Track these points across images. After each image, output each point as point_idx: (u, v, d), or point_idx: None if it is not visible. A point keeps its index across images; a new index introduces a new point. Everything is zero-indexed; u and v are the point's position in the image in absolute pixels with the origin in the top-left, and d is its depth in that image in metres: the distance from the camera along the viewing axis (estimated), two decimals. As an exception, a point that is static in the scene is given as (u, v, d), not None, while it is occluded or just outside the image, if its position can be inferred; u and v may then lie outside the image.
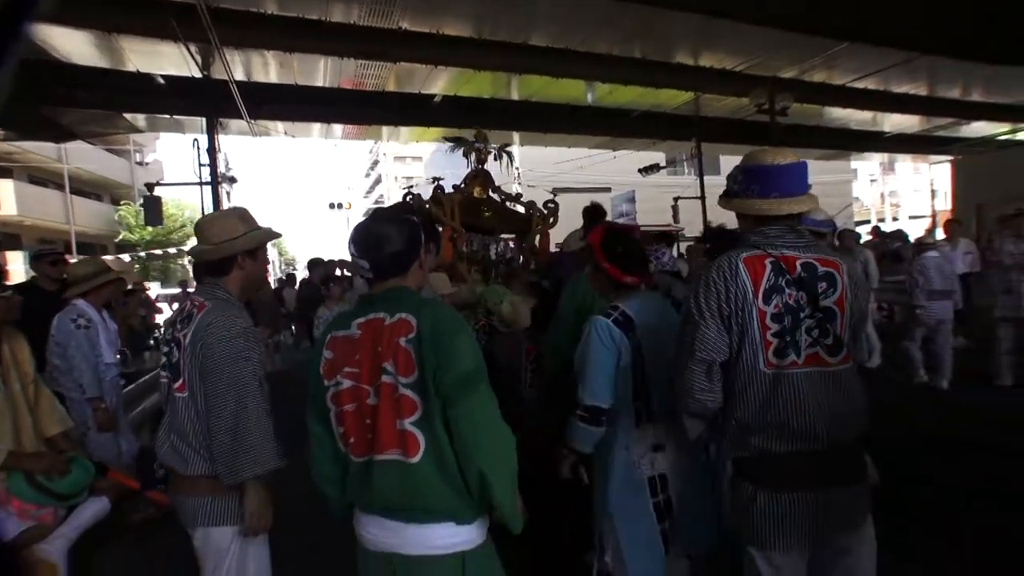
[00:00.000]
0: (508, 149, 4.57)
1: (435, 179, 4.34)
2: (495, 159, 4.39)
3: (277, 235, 1.86)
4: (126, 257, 19.41)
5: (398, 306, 1.30)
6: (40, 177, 20.94)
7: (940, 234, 8.62)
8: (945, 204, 20.84)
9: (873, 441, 1.50)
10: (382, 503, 1.28)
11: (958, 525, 2.66)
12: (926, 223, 23.08)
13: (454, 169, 4.76)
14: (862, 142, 14.86)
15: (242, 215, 1.76)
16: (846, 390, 1.41)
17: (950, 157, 17.22)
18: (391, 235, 1.33)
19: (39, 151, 18.86)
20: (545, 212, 4.32)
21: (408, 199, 4.45)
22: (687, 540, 1.75)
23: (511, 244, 4.40)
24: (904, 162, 28.15)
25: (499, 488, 1.24)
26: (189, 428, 1.59)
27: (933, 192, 25.41)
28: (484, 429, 1.24)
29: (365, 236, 1.35)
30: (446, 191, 4.06)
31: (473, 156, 4.23)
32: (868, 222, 29.42)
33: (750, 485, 1.41)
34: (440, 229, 3.83)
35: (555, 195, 4.51)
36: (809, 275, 1.41)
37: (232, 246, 1.66)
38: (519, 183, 19.76)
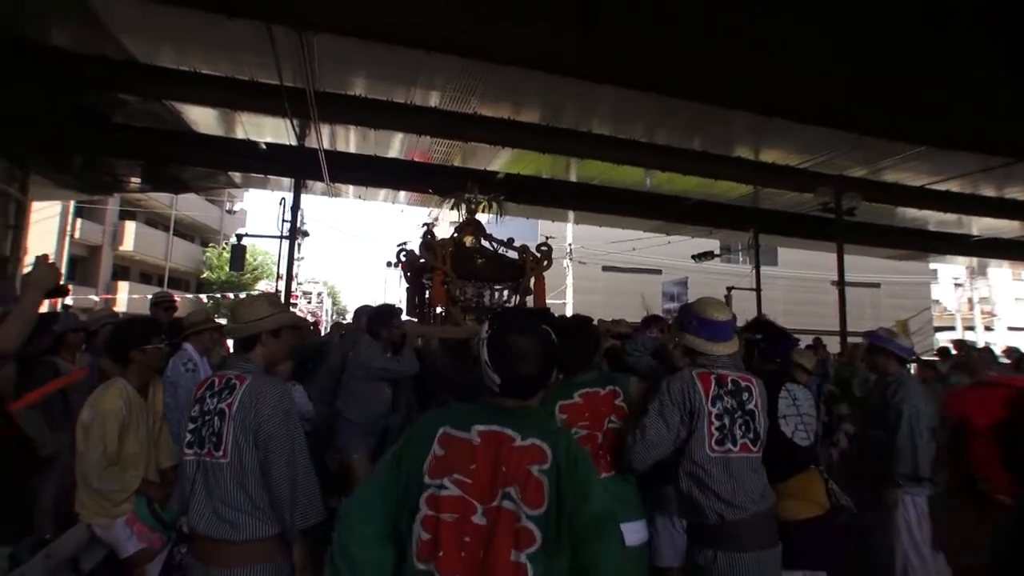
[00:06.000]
0: (500, 199, 4.64)
1: (425, 224, 4.49)
2: (484, 211, 4.51)
3: (299, 320, 2.12)
4: (204, 297, 21.33)
5: (528, 428, 1.24)
6: (154, 220, 24.10)
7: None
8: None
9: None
10: None
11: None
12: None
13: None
14: (943, 244, 13.57)
15: (271, 300, 2.02)
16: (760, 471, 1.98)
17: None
18: (530, 354, 1.27)
19: (156, 199, 21.85)
20: (538, 256, 4.32)
21: (401, 255, 4.67)
22: None
23: (504, 293, 4.44)
24: (999, 267, 25.68)
25: None
26: (237, 492, 1.69)
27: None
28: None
29: (503, 349, 1.27)
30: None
31: (463, 207, 4.39)
32: (951, 328, 26.83)
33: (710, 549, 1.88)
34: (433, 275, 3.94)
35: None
36: (736, 387, 1.98)
37: (257, 326, 1.87)
38: (571, 258, 20.16)
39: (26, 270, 7.71)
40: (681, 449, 1.95)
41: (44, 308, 2.58)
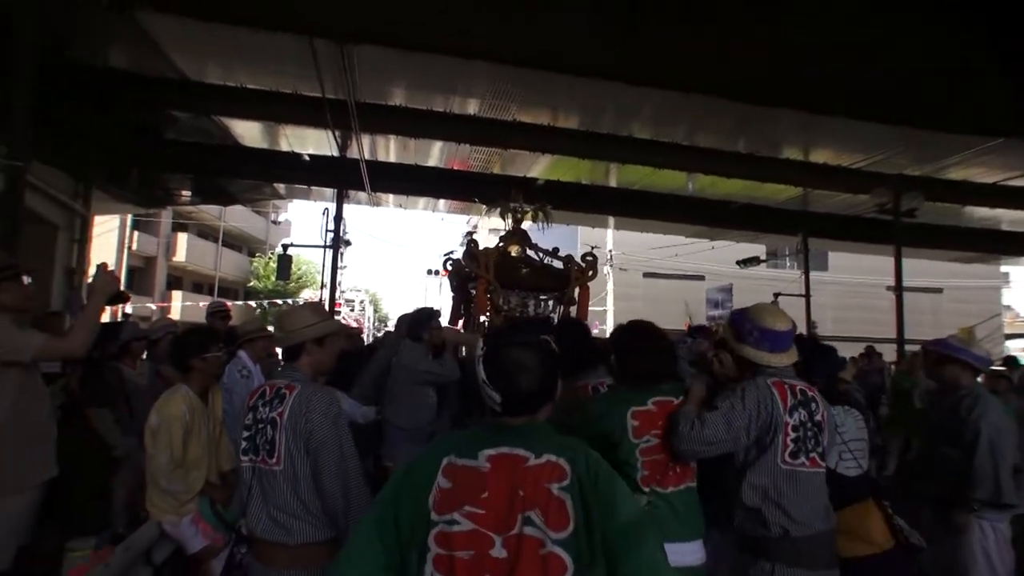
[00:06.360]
0: (547, 208, 4.63)
1: (468, 233, 4.56)
2: (533, 220, 4.51)
3: (342, 327, 2.13)
4: (252, 303, 22.06)
5: (540, 445, 1.15)
6: (204, 232, 25.22)
7: None
8: None
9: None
10: None
11: None
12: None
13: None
14: (1017, 245, 12.39)
15: (315, 308, 2.05)
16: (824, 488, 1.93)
17: None
18: (529, 367, 1.18)
19: (206, 211, 22.87)
20: (583, 265, 4.29)
21: (447, 264, 4.68)
22: None
23: (549, 303, 4.40)
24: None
25: None
26: (291, 499, 1.73)
27: None
28: None
29: (500, 364, 1.19)
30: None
31: (510, 216, 4.41)
32: None
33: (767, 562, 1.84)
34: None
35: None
36: (804, 398, 1.92)
37: (301, 335, 1.89)
38: (611, 265, 19.91)
39: (89, 280, 8.12)
40: (751, 460, 1.89)
41: (106, 316, 2.71)
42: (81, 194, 7.83)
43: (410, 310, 4.25)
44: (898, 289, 9.26)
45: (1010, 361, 7.32)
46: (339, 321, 2.14)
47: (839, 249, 16.13)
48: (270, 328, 4.13)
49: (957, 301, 21.82)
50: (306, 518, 1.73)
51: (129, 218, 17.81)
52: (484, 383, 1.20)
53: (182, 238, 23.40)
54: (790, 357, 1.97)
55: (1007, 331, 24.74)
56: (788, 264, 16.05)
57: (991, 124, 6.54)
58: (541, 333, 1.28)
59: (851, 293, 20.67)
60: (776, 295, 12.99)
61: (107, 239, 16.11)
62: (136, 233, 20.55)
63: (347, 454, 1.75)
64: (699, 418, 1.87)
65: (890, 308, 9.21)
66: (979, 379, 2.92)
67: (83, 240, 7.96)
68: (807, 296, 12.28)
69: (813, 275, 12.68)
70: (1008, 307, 27.12)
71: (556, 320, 4.52)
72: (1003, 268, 22.67)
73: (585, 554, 1.05)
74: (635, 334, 2.19)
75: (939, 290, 21.59)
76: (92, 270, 7.94)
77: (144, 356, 4.40)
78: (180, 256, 23.26)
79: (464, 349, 4.24)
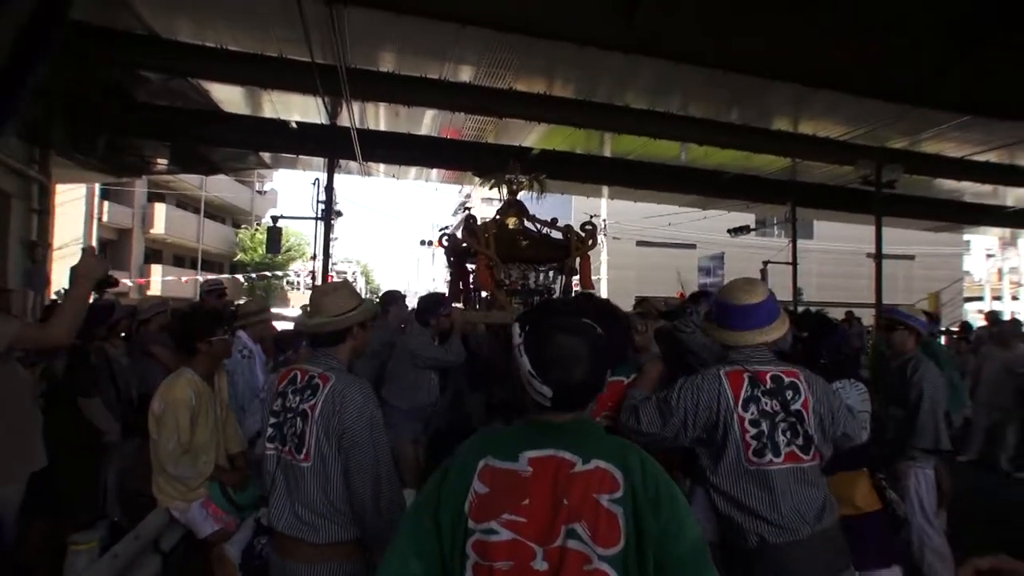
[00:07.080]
0: (542, 178, 4.57)
1: (465, 207, 4.49)
2: (528, 191, 4.48)
3: (378, 308, 2.02)
4: (240, 277, 21.51)
5: (589, 448, 1.04)
6: (184, 202, 24.20)
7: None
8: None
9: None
10: None
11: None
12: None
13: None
14: (978, 215, 13.45)
15: (352, 290, 1.91)
16: (817, 483, 1.68)
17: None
18: (581, 355, 1.06)
19: (186, 180, 21.89)
20: (583, 235, 4.26)
21: (444, 238, 4.63)
22: None
23: (549, 274, 4.38)
24: (1031, 238, 25.29)
25: None
26: (317, 497, 1.64)
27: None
28: None
29: (551, 353, 1.06)
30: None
31: (504, 188, 4.36)
32: (980, 299, 27.06)
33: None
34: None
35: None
36: (777, 385, 1.69)
37: (348, 319, 1.79)
38: (605, 234, 19.92)
39: (56, 253, 7.70)
40: (710, 464, 1.71)
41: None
42: (37, 160, 7.08)
43: (402, 284, 4.20)
44: (878, 256, 9.55)
45: (965, 326, 7.87)
46: (375, 301, 2.05)
47: (824, 218, 16.47)
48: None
49: (927, 268, 23.14)
50: (334, 517, 1.65)
51: (97, 187, 16.94)
52: (531, 375, 1.06)
53: (159, 209, 22.30)
54: (758, 336, 1.71)
55: (965, 295, 26.40)
56: (776, 233, 16.27)
57: (961, 102, 6.95)
58: (579, 315, 1.15)
59: (834, 260, 21.29)
60: (765, 263, 13.23)
61: (73, 208, 15.20)
62: (106, 203, 19.60)
63: (380, 454, 1.66)
64: (635, 408, 1.80)
65: (867, 275, 9.63)
66: (942, 341, 3.25)
67: (44, 210, 7.26)
68: (794, 264, 12.52)
69: (800, 243, 12.91)
70: (968, 273, 28.97)
71: (558, 291, 4.53)
72: (965, 236, 24.24)
73: (633, 571, 0.97)
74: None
75: (912, 257, 22.48)
76: (57, 243, 7.20)
77: (123, 335, 4.28)
78: (159, 228, 22.21)
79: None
